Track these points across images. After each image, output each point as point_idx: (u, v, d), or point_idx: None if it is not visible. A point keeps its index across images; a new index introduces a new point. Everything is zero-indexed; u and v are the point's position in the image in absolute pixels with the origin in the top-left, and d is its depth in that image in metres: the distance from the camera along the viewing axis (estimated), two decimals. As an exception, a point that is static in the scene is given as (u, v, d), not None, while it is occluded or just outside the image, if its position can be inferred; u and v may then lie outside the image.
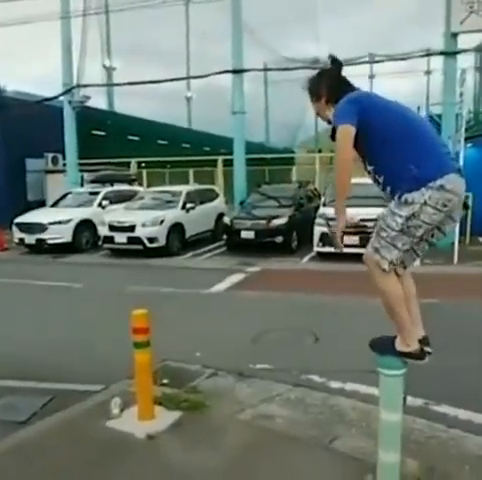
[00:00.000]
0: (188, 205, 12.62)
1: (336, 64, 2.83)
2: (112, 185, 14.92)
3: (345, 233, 10.18)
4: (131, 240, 11.52)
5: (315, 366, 4.72)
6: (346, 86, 2.76)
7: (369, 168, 2.67)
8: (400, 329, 2.62)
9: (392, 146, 2.55)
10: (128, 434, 3.47)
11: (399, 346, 2.63)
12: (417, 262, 3.23)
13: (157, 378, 4.24)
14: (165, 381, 4.36)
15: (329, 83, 2.77)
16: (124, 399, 3.80)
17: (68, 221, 12.60)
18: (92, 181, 15.38)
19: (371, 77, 43.19)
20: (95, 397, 4.12)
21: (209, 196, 14.17)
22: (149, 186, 16.87)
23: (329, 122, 2.77)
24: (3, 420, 3.88)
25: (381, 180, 2.63)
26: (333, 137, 2.59)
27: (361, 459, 3.05)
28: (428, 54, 17.07)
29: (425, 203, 2.43)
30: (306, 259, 11.08)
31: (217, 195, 14.75)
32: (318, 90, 2.80)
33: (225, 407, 3.91)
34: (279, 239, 11.45)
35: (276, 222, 11.53)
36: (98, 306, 7.34)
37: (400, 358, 2.63)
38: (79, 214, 13.00)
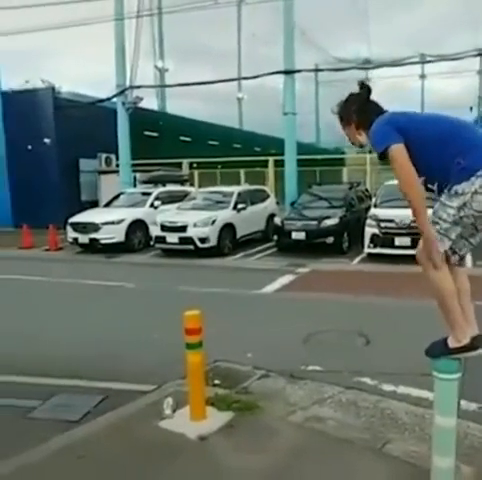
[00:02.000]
0: (239, 205, 12.80)
1: (365, 88, 2.85)
2: (164, 185, 15.31)
3: (397, 234, 10.22)
4: (183, 240, 11.78)
5: (366, 368, 4.72)
6: (376, 108, 2.80)
7: (421, 180, 2.70)
8: (452, 325, 2.63)
9: (436, 149, 2.58)
10: (180, 435, 3.55)
11: (451, 343, 2.65)
12: (469, 263, 3.22)
13: (208, 378, 4.34)
14: (217, 382, 4.43)
15: (358, 108, 2.81)
16: (176, 399, 3.88)
17: (121, 221, 12.99)
18: (144, 181, 15.83)
19: (422, 77, 42.16)
20: (147, 397, 4.23)
21: (260, 196, 14.30)
22: (201, 186, 17.18)
23: (361, 146, 2.85)
24: (57, 419, 4.00)
25: (435, 187, 2.66)
26: (380, 157, 2.65)
27: (414, 464, 3.05)
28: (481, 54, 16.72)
29: (475, 192, 2.46)
30: (357, 260, 11.00)
31: (268, 196, 14.86)
32: (348, 115, 2.84)
33: (276, 409, 3.95)
34: (330, 240, 11.43)
35: (327, 223, 11.53)
36: (150, 306, 7.57)
37: (453, 357, 2.64)
38: (131, 214, 13.36)
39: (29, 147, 18.83)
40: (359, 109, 2.81)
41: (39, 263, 12.30)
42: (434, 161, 2.61)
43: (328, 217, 11.65)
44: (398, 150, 2.56)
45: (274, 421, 3.78)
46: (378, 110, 2.79)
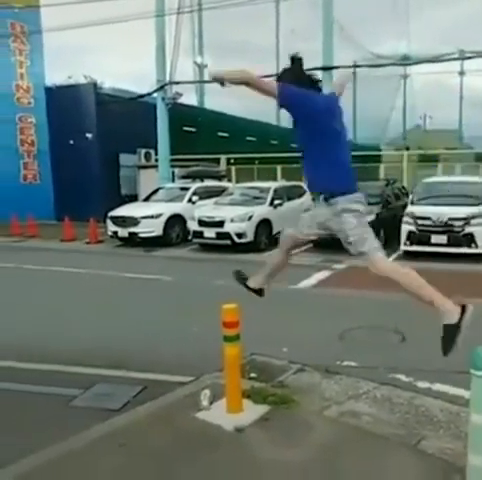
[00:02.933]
0: (276, 201, 12.84)
1: (296, 62, 3.39)
2: (202, 181, 15.47)
3: (433, 232, 10.22)
4: (220, 235, 11.93)
5: (402, 365, 4.71)
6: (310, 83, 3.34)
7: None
8: (435, 301, 2.78)
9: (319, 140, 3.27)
10: (216, 426, 3.63)
11: (449, 318, 2.72)
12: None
13: (245, 371, 4.41)
14: (253, 375, 4.50)
15: (292, 77, 3.30)
16: (213, 391, 3.95)
17: (159, 215, 13.21)
18: (183, 177, 16.03)
19: (461, 74, 41.02)
20: (185, 388, 4.32)
21: (296, 192, 14.27)
22: (238, 182, 17.29)
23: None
24: (98, 407, 4.12)
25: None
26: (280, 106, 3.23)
27: (449, 461, 3.06)
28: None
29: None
30: (393, 257, 10.84)
31: (304, 192, 14.77)
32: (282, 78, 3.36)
33: (312, 403, 4.00)
34: (366, 237, 11.33)
35: (363, 220, 11.43)
36: (188, 299, 7.71)
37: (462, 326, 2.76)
38: (170, 209, 13.58)
39: (71, 142, 19.31)
40: (293, 78, 3.29)
41: (79, 255, 12.69)
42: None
43: (365, 214, 11.56)
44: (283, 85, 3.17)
45: (309, 415, 3.82)
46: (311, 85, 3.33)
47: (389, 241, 11.54)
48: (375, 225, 11.22)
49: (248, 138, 24.87)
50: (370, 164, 21.03)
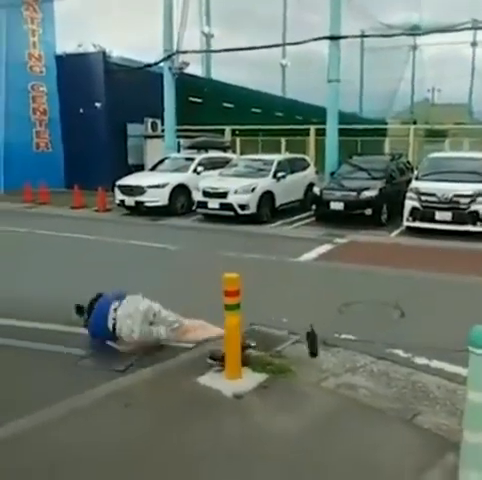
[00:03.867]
0: (279, 174, 12.63)
1: None
2: (207, 151, 15.25)
3: (438, 209, 10.07)
4: (223, 206, 11.78)
5: (400, 340, 4.66)
6: None
7: None
8: None
9: None
10: (216, 391, 3.66)
11: None
12: None
13: (244, 340, 4.43)
14: (252, 344, 4.44)
15: None
16: (213, 358, 3.99)
17: (165, 185, 13.06)
18: (188, 147, 15.81)
19: (473, 45, 39.86)
20: (187, 354, 4.36)
21: (300, 165, 14.06)
22: (242, 154, 17.04)
23: None
24: (103, 368, 4.17)
25: None
26: None
27: (444, 437, 3.04)
28: None
29: None
30: (395, 233, 10.77)
31: (308, 165, 14.62)
32: None
33: (309, 374, 3.98)
34: (368, 211, 11.18)
35: (366, 194, 11.25)
36: (191, 268, 7.69)
37: None
38: (175, 179, 13.42)
39: (81, 111, 19.03)
40: None
41: (88, 222, 12.64)
42: None
43: (367, 188, 11.36)
44: None
45: (306, 385, 3.82)
46: None
47: (392, 217, 11.43)
48: (378, 200, 11.31)
49: (253, 110, 24.45)
50: (375, 138, 20.74)
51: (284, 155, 14.90)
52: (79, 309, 4.68)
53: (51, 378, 3.96)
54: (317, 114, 19.04)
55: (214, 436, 3.17)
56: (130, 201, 13.25)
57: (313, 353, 4.27)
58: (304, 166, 14.25)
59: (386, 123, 33.23)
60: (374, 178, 12.08)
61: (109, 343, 4.50)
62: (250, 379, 3.84)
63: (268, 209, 12.21)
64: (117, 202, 13.64)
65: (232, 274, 3.77)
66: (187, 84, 19.06)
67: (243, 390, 3.68)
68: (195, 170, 13.82)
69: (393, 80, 40.72)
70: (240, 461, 2.90)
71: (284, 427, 3.26)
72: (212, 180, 12.63)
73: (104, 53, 18.93)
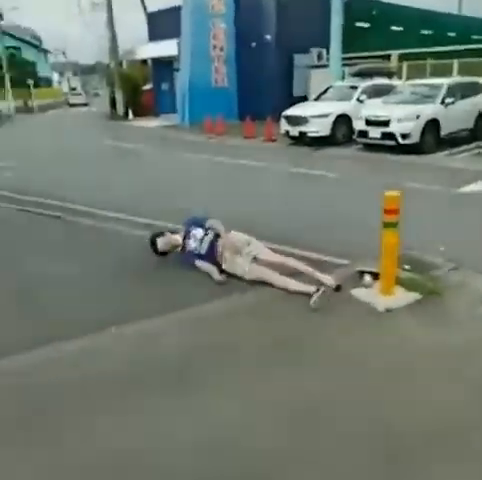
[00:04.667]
0: (447, 100, 11.46)
1: None
2: (371, 79, 14.46)
3: None
4: (384, 135, 11.24)
5: None
6: None
7: None
8: None
9: None
10: (368, 304, 3.81)
11: None
12: None
13: (400, 263, 4.43)
14: (407, 267, 4.43)
15: None
16: (368, 272, 4.14)
17: (327, 115, 12.87)
18: (352, 75, 15.15)
19: None
20: (344, 269, 4.52)
21: (472, 90, 12.47)
22: (408, 79, 15.76)
23: None
24: None
25: None
26: None
27: None
28: None
29: None
30: None
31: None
32: None
33: (462, 299, 3.90)
34: None
35: None
36: (350, 193, 7.75)
37: None
38: (338, 108, 13.10)
39: (253, 44, 19.21)
40: None
41: (256, 151, 13.15)
42: None
43: None
44: None
45: (458, 309, 3.75)
46: None
47: None
48: None
49: (423, 32, 22.06)
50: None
51: (454, 78, 13.39)
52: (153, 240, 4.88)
53: (197, 287, 4.37)
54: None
55: (361, 341, 3.35)
56: (294, 131, 13.39)
57: None
58: (477, 91, 12.67)
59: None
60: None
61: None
62: (403, 297, 3.89)
63: (432, 138, 11.29)
64: (282, 132, 13.84)
65: (392, 192, 3.73)
66: (354, 8, 17.88)
67: (395, 305, 3.77)
68: (358, 98, 13.27)
69: None
70: (383, 365, 3.10)
71: (433, 341, 3.30)
72: (374, 108, 12.02)
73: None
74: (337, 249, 5.00)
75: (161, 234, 4.95)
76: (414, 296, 3.92)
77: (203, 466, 2.27)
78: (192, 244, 4.72)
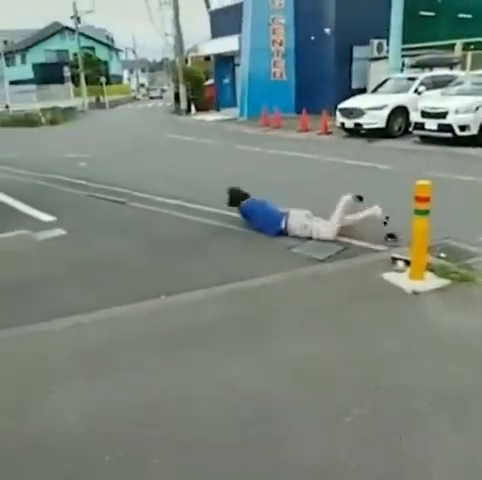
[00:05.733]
0: (511, 90, 11.04)
1: None
2: (431, 70, 14.09)
3: None
4: (441, 127, 10.99)
5: None
6: None
7: None
8: None
9: None
10: (397, 286, 3.97)
11: None
12: None
13: (435, 251, 4.49)
14: (442, 255, 4.53)
15: None
16: (401, 260, 4.28)
17: (383, 107, 12.70)
18: (412, 66, 14.81)
19: None
20: (378, 254, 4.73)
21: None
22: (473, 70, 15.13)
23: None
24: (309, 256, 4.89)
25: None
26: None
27: None
28: None
29: None
30: None
31: None
32: None
33: None
34: None
35: None
36: (396, 184, 7.69)
37: None
38: (395, 100, 12.91)
39: (312, 38, 19.19)
40: None
41: (310, 144, 13.28)
42: None
43: None
44: None
45: None
46: None
47: None
48: None
49: (495, 18, 20.84)
50: None
51: (521, 68, 12.77)
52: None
53: (270, 258, 4.91)
54: None
55: (387, 321, 3.53)
56: (349, 123, 13.36)
57: None
58: None
59: None
60: None
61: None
62: (432, 282, 3.98)
63: (492, 130, 10.92)
64: (338, 125, 13.86)
65: (424, 181, 3.87)
66: (418, -4, 17.30)
67: (423, 289, 3.87)
68: (416, 90, 12.98)
69: None
70: (403, 341, 3.27)
71: (457, 323, 3.38)
72: (432, 100, 11.76)
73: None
74: (376, 237, 5.19)
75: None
76: (444, 282, 4.00)
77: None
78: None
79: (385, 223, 5.27)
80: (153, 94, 58.53)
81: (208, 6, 29.89)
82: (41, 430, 2.54)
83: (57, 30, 54.00)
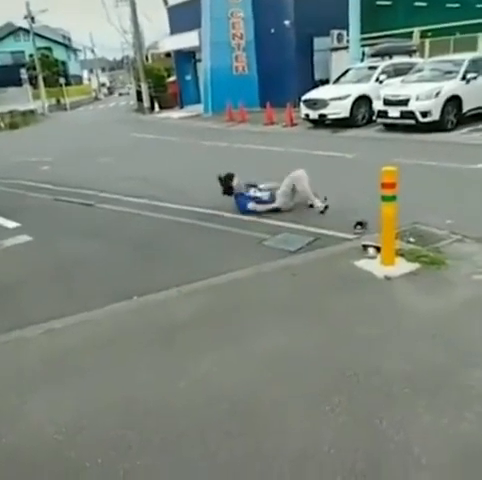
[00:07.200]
0: (469, 75, 11.20)
1: None
2: (391, 58, 14.31)
3: None
4: (404, 114, 11.17)
5: None
6: None
7: None
8: None
9: None
10: (369, 272, 4.05)
11: None
12: None
13: (404, 236, 4.59)
14: (411, 239, 4.62)
15: None
16: (370, 246, 4.37)
17: (346, 97, 12.85)
18: (372, 55, 14.99)
19: None
20: (349, 242, 4.80)
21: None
22: (431, 57, 15.45)
23: None
24: (280, 248, 4.93)
25: None
26: None
27: None
28: None
29: None
30: None
31: (506, 64, 12.64)
32: None
33: (463, 268, 3.99)
34: None
35: None
36: (363, 173, 7.79)
37: None
38: (357, 90, 13.08)
39: (272, 31, 19.20)
40: None
41: (276, 137, 13.35)
42: None
43: None
44: None
45: (457, 277, 3.87)
46: None
47: None
48: None
49: (448, 5, 21.31)
50: None
51: (477, 54, 13.08)
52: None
53: (242, 253, 4.92)
54: None
55: (359, 307, 3.59)
56: (314, 114, 13.46)
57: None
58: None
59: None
60: None
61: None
62: (402, 266, 4.06)
63: (453, 115, 11.13)
64: (302, 116, 13.93)
65: (389, 167, 3.93)
66: (374, -13, 17.55)
67: (394, 274, 3.96)
68: (377, 79, 13.18)
69: None
70: (377, 326, 3.32)
71: (426, 306, 3.47)
72: (393, 87, 11.95)
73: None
74: (343, 226, 5.28)
75: (234, 175, 6.29)
76: (414, 266, 4.10)
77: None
78: (252, 193, 6.20)
79: (326, 201, 5.99)
80: (122, 91, 61.96)
81: (166, 2, 29.54)
82: (18, 442, 2.47)
83: (10, 31, 52.51)
